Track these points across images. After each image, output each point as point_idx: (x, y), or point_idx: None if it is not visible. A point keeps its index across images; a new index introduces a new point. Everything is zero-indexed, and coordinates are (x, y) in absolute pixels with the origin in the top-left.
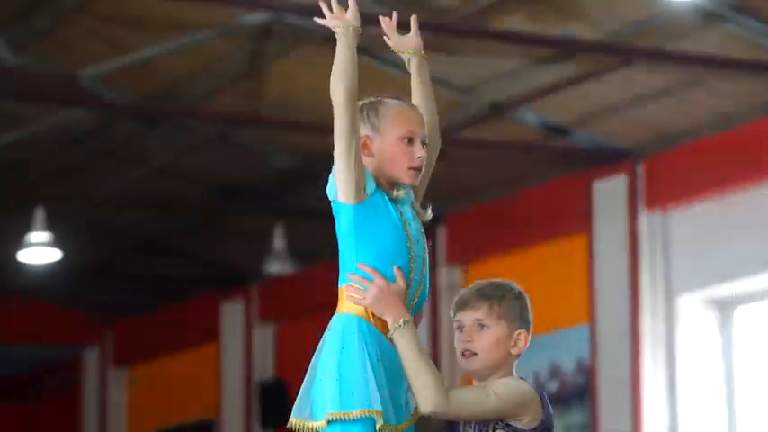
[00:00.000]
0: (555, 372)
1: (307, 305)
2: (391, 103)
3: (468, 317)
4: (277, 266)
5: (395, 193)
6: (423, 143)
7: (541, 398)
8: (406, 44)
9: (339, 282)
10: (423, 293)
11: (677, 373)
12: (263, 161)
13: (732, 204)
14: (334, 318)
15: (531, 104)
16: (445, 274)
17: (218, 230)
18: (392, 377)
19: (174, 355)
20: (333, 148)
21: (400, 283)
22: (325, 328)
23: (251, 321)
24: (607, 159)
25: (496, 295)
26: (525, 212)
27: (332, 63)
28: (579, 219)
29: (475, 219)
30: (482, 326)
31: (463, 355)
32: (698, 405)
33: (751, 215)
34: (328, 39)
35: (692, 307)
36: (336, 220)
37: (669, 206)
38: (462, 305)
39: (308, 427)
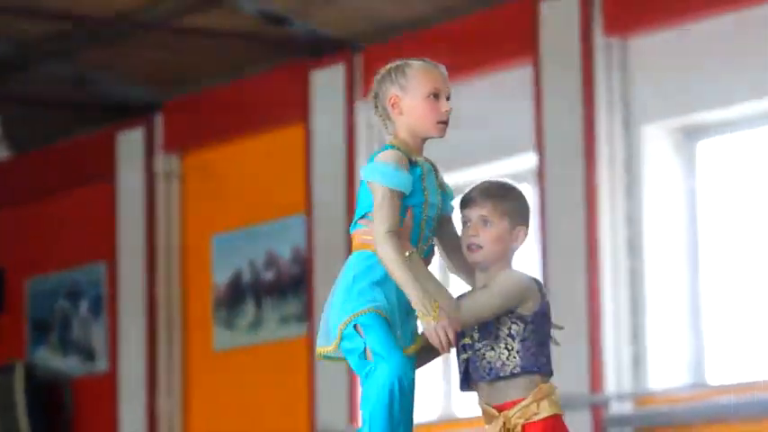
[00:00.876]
0: (272, 261)
1: (23, 192)
2: (416, 64)
3: (473, 213)
4: None
5: (417, 158)
6: (447, 98)
7: (538, 284)
8: None
9: (351, 228)
10: (431, 246)
11: None
12: None
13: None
14: (349, 258)
15: None
16: (161, 162)
17: None
18: (404, 305)
19: None
20: (49, 37)
21: (408, 221)
22: (42, 214)
23: None
24: (325, 49)
25: (500, 194)
26: (243, 102)
27: None
28: (296, 109)
29: (192, 107)
30: (486, 222)
31: (469, 248)
32: None
33: (465, 111)
34: None
35: None
36: (363, 183)
37: None
38: (469, 202)
39: (327, 351)
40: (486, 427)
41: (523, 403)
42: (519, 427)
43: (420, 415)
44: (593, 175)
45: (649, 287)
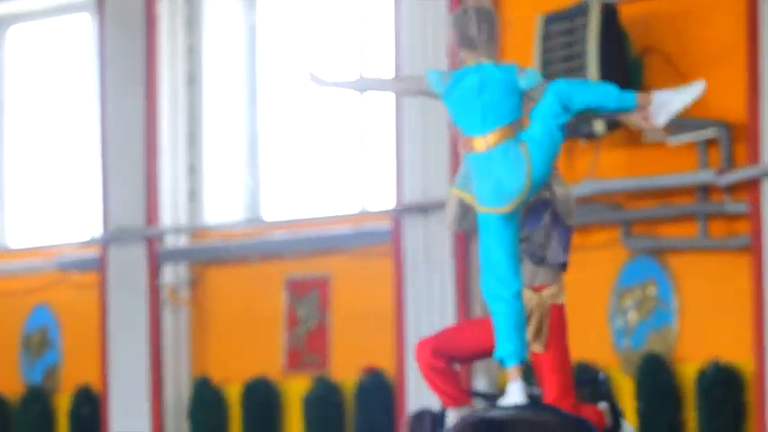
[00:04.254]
0: None
1: None
2: None
3: None
4: None
5: None
6: None
7: None
8: None
9: (500, 123)
10: None
11: None
12: None
13: None
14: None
15: None
16: None
17: None
18: None
19: None
20: None
21: None
22: None
23: None
24: None
25: None
26: None
27: None
28: None
29: None
30: None
31: None
32: None
33: None
34: None
35: None
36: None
37: None
38: None
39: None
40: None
41: (553, 289)
42: (548, 305)
43: None
44: (153, 2)
45: (208, 121)
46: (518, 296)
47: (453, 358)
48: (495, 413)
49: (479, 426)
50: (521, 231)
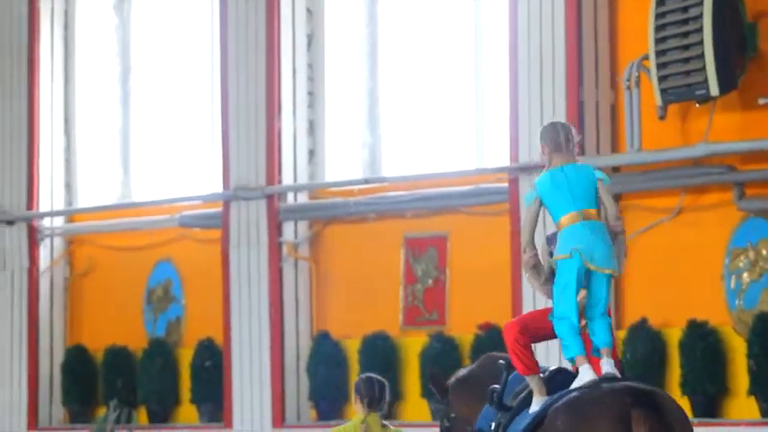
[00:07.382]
0: None
1: None
2: None
3: None
4: None
5: None
6: None
7: None
8: None
9: (588, 205)
10: None
11: None
12: None
13: None
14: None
15: None
16: None
17: None
18: None
19: None
20: None
21: None
22: None
23: None
24: None
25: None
26: None
27: None
28: None
29: None
30: None
31: None
32: None
33: None
34: None
35: None
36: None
37: None
38: None
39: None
40: None
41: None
42: None
43: None
44: None
45: (328, 80)
46: (578, 315)
47: (532, 337)
48: (633, 384)
49: (631, 392)
50: None
